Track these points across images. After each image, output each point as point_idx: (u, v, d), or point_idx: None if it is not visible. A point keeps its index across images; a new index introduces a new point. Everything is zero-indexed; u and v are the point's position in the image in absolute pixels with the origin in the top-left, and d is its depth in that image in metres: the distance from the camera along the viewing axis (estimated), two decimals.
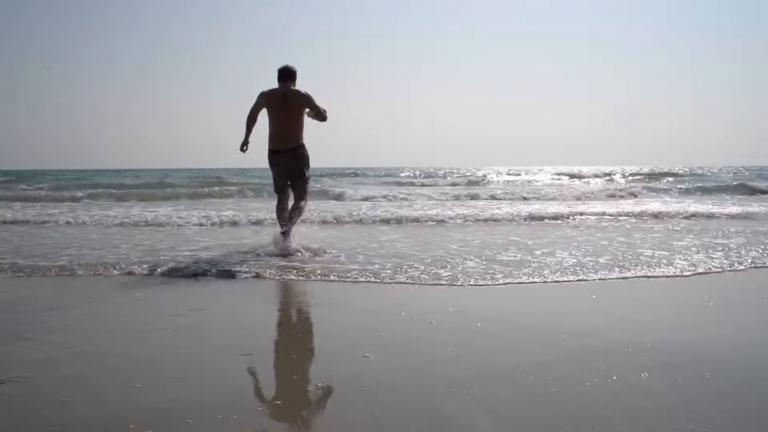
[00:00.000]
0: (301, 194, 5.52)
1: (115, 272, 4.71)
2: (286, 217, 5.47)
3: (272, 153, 5.49)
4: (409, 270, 4.63)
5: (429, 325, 3.20)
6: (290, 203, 5.62)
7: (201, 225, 8.14)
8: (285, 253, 5.13)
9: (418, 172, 35.52)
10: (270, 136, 5.50)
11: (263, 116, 5.58)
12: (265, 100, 5.46)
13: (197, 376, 2.47)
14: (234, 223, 8.29)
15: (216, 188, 17.30)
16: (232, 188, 17.09)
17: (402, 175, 31.45)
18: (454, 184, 22.06)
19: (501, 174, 34.24)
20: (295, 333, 3.14)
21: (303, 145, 5.52)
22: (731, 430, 1.94)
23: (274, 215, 5.78)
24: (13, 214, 9.71)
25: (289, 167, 5.48)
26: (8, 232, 7.55)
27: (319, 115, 5.49)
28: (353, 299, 3.98)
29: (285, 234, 5.34)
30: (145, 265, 4.85)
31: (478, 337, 3.01)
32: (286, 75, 5.50)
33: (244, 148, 5.57)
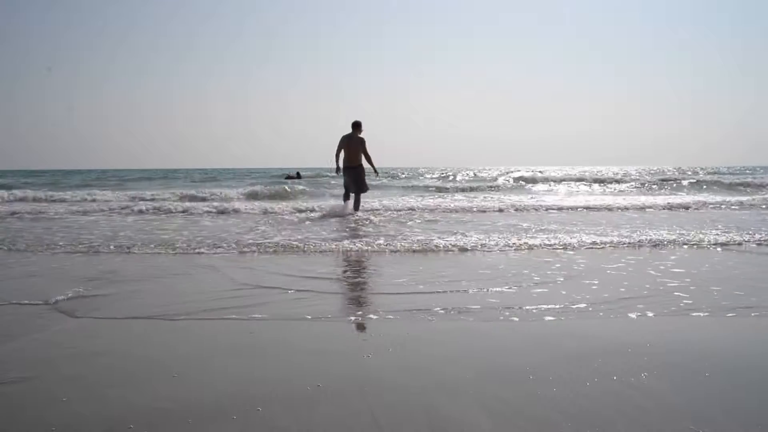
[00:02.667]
0: (359, 191, 10.01)
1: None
2: (350, 203, 10.02)
3: (345, 168, 9.76)
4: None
5: (429, 325, 3.20)
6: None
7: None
8: (350, 216, 9.49)
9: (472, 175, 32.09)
10: (344, 159, 9.74)
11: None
12: (343, 141, 9.74)
13: (197, 376, 2.48)
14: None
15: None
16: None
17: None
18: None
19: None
20: (294, 332, 3.13)
21: (361, 165, 9.83)
22: (731, 430, 1.94)
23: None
24: None
25: (353, 175, 9.84)
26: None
27: (365, 152, 9.80)
28: (353, 299, 3.98)
29: (355, 209, 9.92)
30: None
31: (478, 337, 3.01)
32: (356, 126, 9.79)
33: (339, 170, 9.80)
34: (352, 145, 9.70)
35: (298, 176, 27.95)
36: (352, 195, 10.02)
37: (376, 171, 10.20)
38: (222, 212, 10.58)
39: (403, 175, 32.47)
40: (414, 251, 5.91)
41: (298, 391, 2.27)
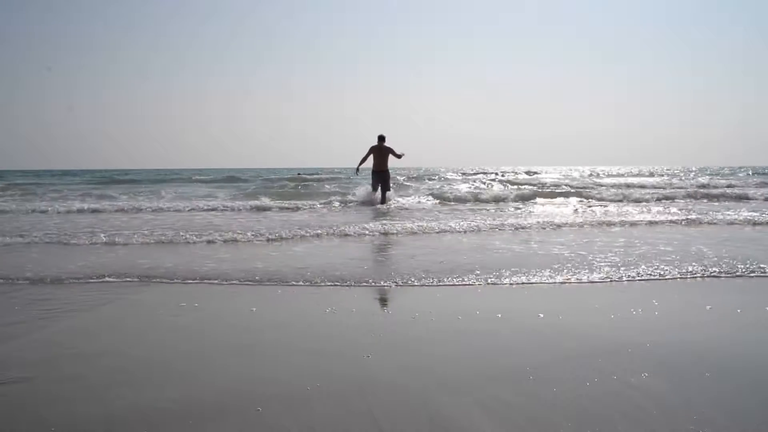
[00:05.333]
0: (387, 189, 12.26)
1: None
2: (379, 199, 12.14)
3: (374, 172, 12.18)
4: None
5: (429, 325, 3.20)
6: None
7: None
8: (378, 206, 11.74)
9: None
10: (374, 164, 12.08)
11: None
12: (372, 150, 11.99)
13: (197, 375, 2.48)
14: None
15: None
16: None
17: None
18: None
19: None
20: (294, 332, 3.14)
21: (388, 170, 12.23)
22: (731, 430, 1.94)
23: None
24: None
25: (382, 178, 12.17)
26: None
27: (395, 155, 11.98)
28: (353, 300, 3.98)
29: (382, 203, 12.02)
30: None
31: (478, 337, 3.01)
32: (381, 138, 11.98)
33: (358, 171, 12.44)
34: (382, 153, 12.01)
35: (299, 176, 28.30)
36: (379, 193, 12.28)
37: (400, 156, 12.03)
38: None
39: (434, 177, 29.29)
40: None
41: (298, 391, 2.27)
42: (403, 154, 12.02)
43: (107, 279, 4.45)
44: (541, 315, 3.37)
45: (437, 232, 7.31)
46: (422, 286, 4.17)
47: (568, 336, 2.96)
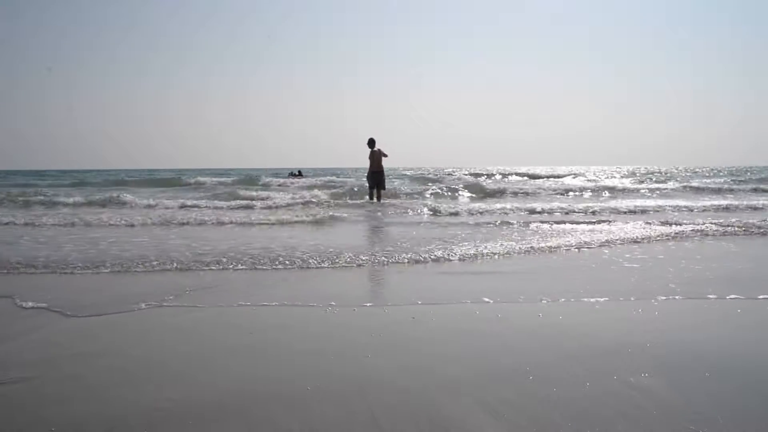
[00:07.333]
0: (382, 188, 14.09)
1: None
2: (375, 199, 13.86)
3: (373, 172, 13.91)
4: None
5: (429, 325, 3.20)
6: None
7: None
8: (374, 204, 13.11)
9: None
10: (372, 166, 13.82)
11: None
12: (372, 155, 13.71)
13: (197, 376, 2.48)
14: None
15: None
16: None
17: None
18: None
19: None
20: (294, 332, 3.14)
21: (383, 170, 14.00)
22: (731, 430, 1.94)
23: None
24: None
25: (379, 178, 13.95)
26: None
27: (384, 155, 13.83)
28: (354, 300, 3.98)
29: (376, 201, 13.77)
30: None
31: (478, 337, 3.01)
32: (373, 142, 13.77)
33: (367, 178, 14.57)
34: (377, 156, 13.85)
35: (300, 174, 28.32)
36: (375, 193, 14.02)
37: (386, 155, 13.92)
38: None
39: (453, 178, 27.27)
40: None
41: (298, 391, 2.27)
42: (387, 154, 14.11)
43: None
44: (541, 315, 3.37)
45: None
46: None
47: (568, 336, 2.96)
